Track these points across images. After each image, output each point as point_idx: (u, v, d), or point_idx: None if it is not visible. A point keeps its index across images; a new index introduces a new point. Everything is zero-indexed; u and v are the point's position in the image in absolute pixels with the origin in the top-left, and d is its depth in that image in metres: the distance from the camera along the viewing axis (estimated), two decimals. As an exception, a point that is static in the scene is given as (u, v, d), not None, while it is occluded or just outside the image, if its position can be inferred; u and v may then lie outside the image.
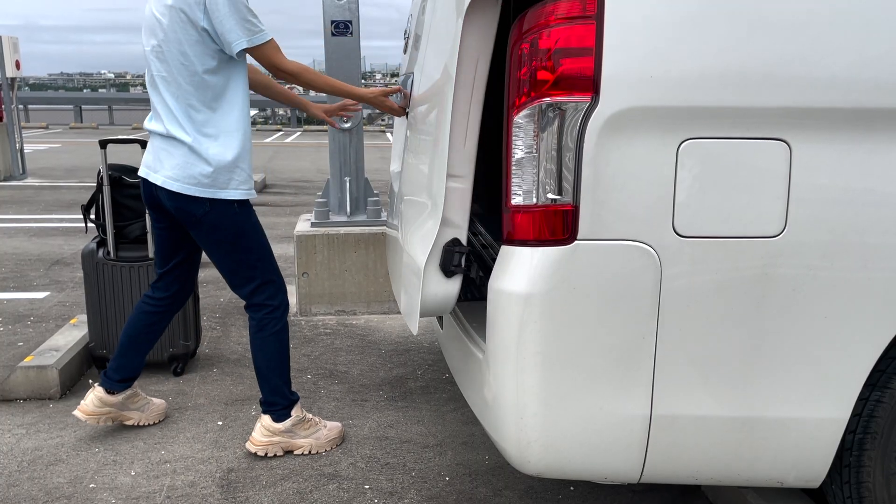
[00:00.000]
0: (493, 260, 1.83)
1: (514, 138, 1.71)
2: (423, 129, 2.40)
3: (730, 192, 1.64)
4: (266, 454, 2.67)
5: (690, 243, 1.66)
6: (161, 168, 2.52)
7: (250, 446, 2.68)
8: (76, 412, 2.78)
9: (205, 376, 3.40)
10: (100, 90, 30.72)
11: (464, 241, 2.07)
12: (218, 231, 2.54)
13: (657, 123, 1.62)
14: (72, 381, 3.28)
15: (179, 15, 2.40)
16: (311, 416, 2.77)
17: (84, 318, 3.73)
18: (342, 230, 4.23)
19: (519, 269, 1.71)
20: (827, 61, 1.61)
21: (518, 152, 1.71)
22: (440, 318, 2.62)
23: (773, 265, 1.67)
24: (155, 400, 2.97)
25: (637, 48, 1.61)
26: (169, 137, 2.50)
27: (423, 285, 2.04)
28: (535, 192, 1.69)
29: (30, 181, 9.97)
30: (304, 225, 4.35)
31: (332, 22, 4.19)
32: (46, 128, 20.50)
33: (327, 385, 3.32)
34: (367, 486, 2.50)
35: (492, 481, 2.54)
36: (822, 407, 1.74)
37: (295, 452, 2.70)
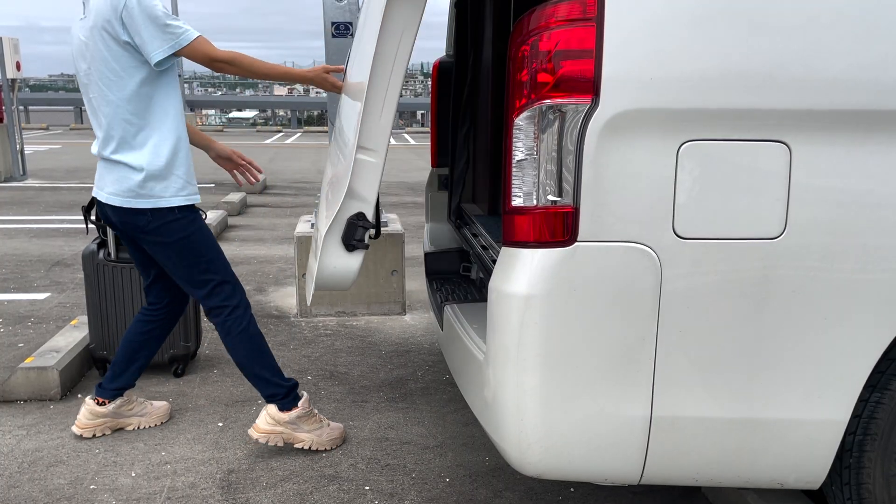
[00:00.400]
0: (494, 261, 1.83)
1: (514, 140, 1.71)
2: (347, 107, 2.38)
3: (730, 194, 1.64)
4: (267, 442, 2.67)
5: (690, 245, 1.66)
6: (105, 185, 2.56)
7: (252, 433, 2.68)
8: (73, 428, 2.82)
9: (205, 378, 3.41)
10: (100, 91, 30.69)
11: (370, 216, 2.01)
12: (164, 240, 2.55)
13: (657, 125, 1.62)
14: (72, 383, 3.28)
15: (101, 34, 2.41)
16: (318, 413, 2.78)
17: (85, 318, 3.73)
18: (342, 231, 4.22)
19: (519, 271, 1.72)
20: (827, 63, 1.61)
21: (518, 154, 1.71)
22: (440, 320, 2.62)
23: (773, 267, 1.67)
24: (156, 402, 2.98)
25: (637, 50, 1.61)
26: (108, 156, 2.52)
27: (320, 256, 1.99)
28: (535, 193, 1.69)
29: (30, 182, 9.98)
30: (304, 226, 4.35)
31: (333, 23, 4.20)
32: (47, 129, 20.51)
33: (328, 386, 3.32)
34: (367, 488, 2.50)
35: (492, 483, 2.54)
36: (822, 408, 1.74)
37: (295, 445, 2.70)
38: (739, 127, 1.63)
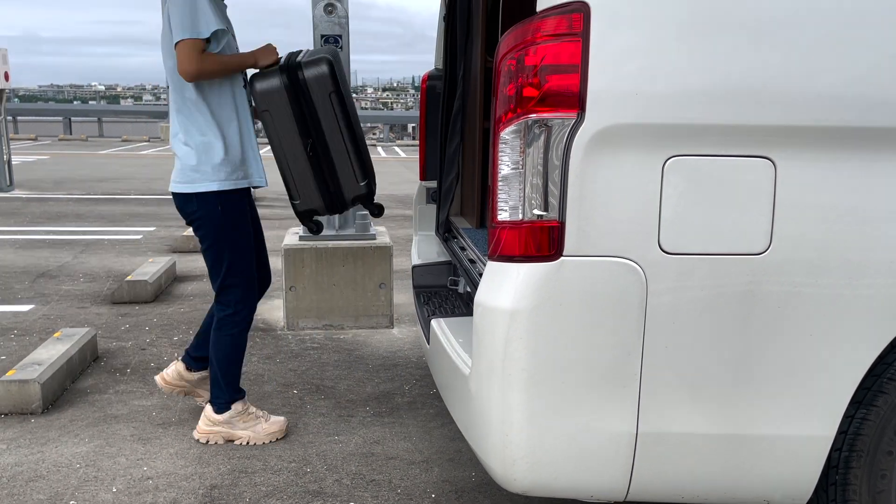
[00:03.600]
0: (481, 275, 1.82)
1: (500, 154, 1.71)
2: None
3: (715, 209, 1.64)
4: (207, 441, 2.86)
5: (676, 260, 1.66)
6: (173, 177, 2.73)
7: (195, 434, 2.88)
8: (156, 377, 3.04)
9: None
10: (90, 102, 30.64)
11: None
12: (203, 226, 2.70)
13: (643, 140, 1.62)
14: (54, 396, 3.24)
15: (165, 23, 2.55)
16: (255, 410, 2.90)
17: (68, 331, 3.69)
18: (330, 244, 4.21)
19: (505, 285, 1.71)
20: (812, 80, 1.62)
21: (504, 168, 1.71)
22: (427, 334, 2.61)
23: (759, 282, 1.67)
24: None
25: (623, 65, 1.61)
26: (176, 147, 2.68)
27: None
28: (521, 207, 1.69)
29: (17, 193, 9.91)
30: (292, 238, 4.33)
31: (323, 37, 4.20)
32: (35, 139, 20.40)
33: (314, 400, 3.29)
34: (352, 503, 2.48)
35: (478, 499, 2.52)
36: (808, 424, 1.73)
37: (235, 442, 2.86)
38: (725, 142, 1.63)
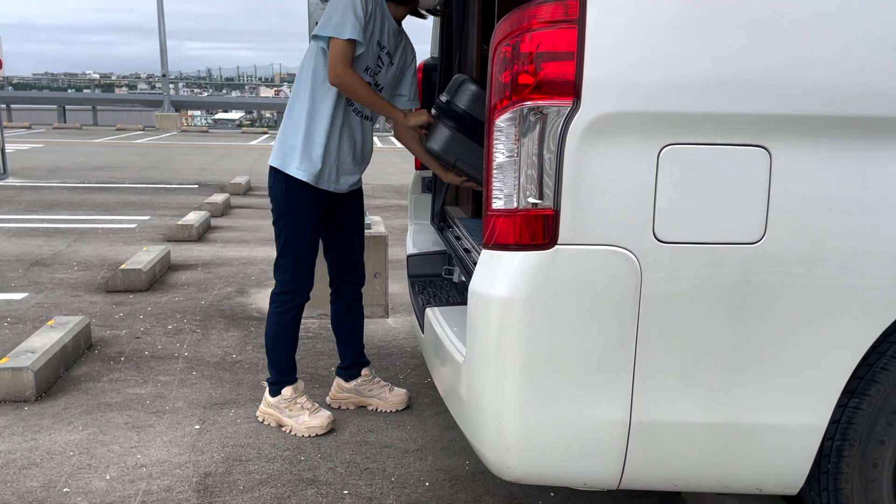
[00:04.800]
0: (476, 264, 1.82)
1: (495, 141, 1.70)
2: None
3: (710, 199, 1.64)
4: (262, 421, 2.94)
5: (671, 249, 1.65)
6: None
7: (257, 412, 2.99)
8: (327, 398, 3.14)
9: (183, 380, 3.37)
10: (84, 91, 30.48)
11: None
12: (273, 200, 2.82)
13: (638, 129, 1.61)
14: (48, 384, 3.23)
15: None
16: (303, 400, 2.91)
17: (62, 319, 3.68)
18: (325, 233, 4.19)
19: (499, 274, 1.70)
20: (809, 69, 1.62)
21: (499, 156, 1.70)
22: (422, 323, 2.61)
23: (753, 272, 1.67)
24: (396, 389, 3.12)
25: (619, 53, 1.60)
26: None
27: None
28: (515, 196, 1.68)
29: (11, 181, 9.86)
30: (287, 228, 4.31)
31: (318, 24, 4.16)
32: (29, 128, 20.30)
33: (309, 389, 3.29)
34: (345, 492, 2.48)
35: (472, 487, 2.53)
36: (800, 414, 1.74)
37: (283, 428, 2.89)
38: (720, 131, 1.63)
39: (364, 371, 3.11)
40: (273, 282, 2.91)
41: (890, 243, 1.66)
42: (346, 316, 3.10)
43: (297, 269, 2.83)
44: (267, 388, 2.95)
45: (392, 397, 3.09)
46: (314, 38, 2.66)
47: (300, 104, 2.72)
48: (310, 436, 2.83)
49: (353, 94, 2.64)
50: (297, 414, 2.88)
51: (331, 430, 2.88)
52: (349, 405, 3.10)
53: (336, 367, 3.15)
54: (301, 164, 2.71)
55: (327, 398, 3.13)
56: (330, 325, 3.18)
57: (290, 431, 2.87)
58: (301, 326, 4.10)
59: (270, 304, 2.89)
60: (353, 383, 3.10)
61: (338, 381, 3.13)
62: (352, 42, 2.56)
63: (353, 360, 3.11)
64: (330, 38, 2.57)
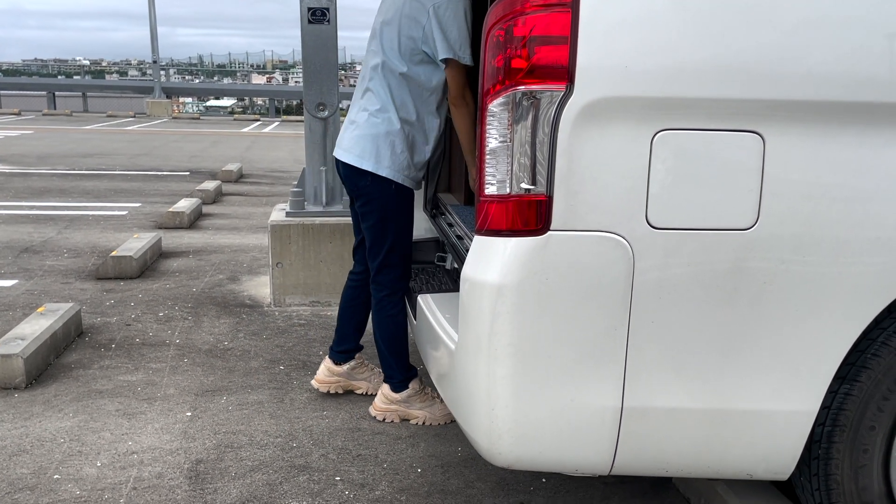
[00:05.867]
0: (468, 251, 1.81)
1: (488, 126, 1.69)
2: None
3: (703, 184, 1.63)
4: (384, 419, 2.89)
5: (663, 235, 1.65)
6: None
7: (371, 411, 2.92)
8: (312, 382, 3.11)
9: (175, 367, 3.36)
10: (74, 77, 30.24)
11: None
12: (370, 202, 2.73)
13: (631, 114, 1.61)
14: (38, 371, 3.22)
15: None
16: (430, 391, 2.92)
17: (52, 306, 3.66)
18: (317, 220, 4.18)
19: (492, 260, 1.70)
20: (802, 54, 1.61)
21: (492, 141, 1.69)
22: (414, 310, 2.60)
23: (745, 258, 1.67)
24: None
25: (612, 38, 1.59)
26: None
27: None
28: (508, 181, 1.67)
29: (0, 168, 9.78)
30: (278, 215, 4.30)
31: (310, 9, 4.13)
32: (19, 114, 20.12)
33: (300, 376, 3.29)
34: (338, 478, 2.48)
35: (464, 473, 2.53)
36: (791, 399, 1.74)
37: (411, 421, 2.88)
38: (714, 116, 1.62)
39: (357, 355, 3.11)
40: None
41: (882, 230, 1.66)
42: (368, 301, 3.04)
43: (405, 266, 2.82)
44: (386, 386, 2.89)
45: (379, 378, 3.08)
46: (436, 54, 2.56)
47: (406, 111, 2.64)
48: (445, 423, 2.85)
49: (467, 120, 2.64)
50: (429, 403, 2.88)
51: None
52: (338, 389, 3.09)
53: (330, 349, 3.13)
54: (409, 171, 2.69)
55: (313, 382, 3.10)
56: (321, 312, 3.17)
57: (424, 422, 2.85)
58: (293, 314, 4.12)
59: (382, 308, 2.82)
60: (346, 366, 3.08)
61: (328, 364, 3.10)
62: (464, 68, 2.58)
63: (354, 344, 3.10)
64: (450, 58, 2.53)
